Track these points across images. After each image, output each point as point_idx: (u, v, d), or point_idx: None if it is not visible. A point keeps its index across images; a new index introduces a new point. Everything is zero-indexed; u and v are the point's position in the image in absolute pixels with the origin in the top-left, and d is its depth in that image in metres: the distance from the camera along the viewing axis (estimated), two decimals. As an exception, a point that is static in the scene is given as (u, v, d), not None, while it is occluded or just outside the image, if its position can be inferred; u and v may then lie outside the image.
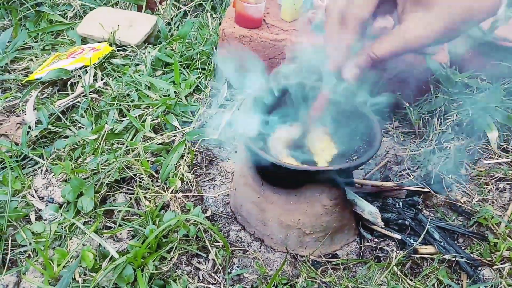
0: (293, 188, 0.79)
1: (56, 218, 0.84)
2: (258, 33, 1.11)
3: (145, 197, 0.88)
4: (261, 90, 0.84)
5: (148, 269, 0.73)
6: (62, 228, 0.81)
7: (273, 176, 0.79)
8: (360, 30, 0.59)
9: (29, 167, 0.95)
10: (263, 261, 0.82)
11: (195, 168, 0.98)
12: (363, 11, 0.57)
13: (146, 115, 1.06)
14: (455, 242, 0.86)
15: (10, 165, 0.88)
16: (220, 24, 1.21)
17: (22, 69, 1.27)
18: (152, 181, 0.93)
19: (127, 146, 0.97)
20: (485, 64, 1.14)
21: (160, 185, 0.92)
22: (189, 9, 1.50)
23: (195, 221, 0.82)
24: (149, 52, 1.28)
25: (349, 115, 0.85)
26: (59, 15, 1.47)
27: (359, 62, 0.61)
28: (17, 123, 1.05)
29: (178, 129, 1.03)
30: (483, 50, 1.15)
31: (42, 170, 0.94)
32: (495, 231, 0.87)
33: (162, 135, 1.02)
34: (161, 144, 1.01)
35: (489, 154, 1.04)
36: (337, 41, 0.60)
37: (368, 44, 0.60)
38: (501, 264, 0.81)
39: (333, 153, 0.85)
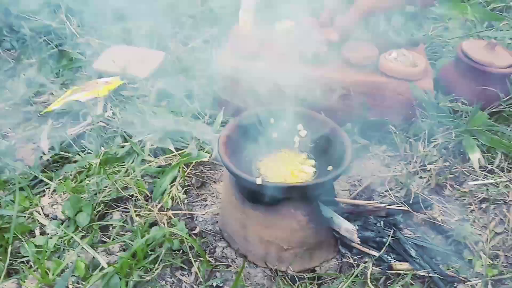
0: (270, 204, 0.85)
1: (57, 233, 0.93)
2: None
3: (138, 215, 0.96)
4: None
5: (133, 278, 0.80)
6: (62, 242, 0.90)
7: (251, 193, 0.85)
8: None
9: (39, 188, 1.05)
10: (244, 275, 0.87)
11: (188, 189, 1.05)
12: None
13: (146, 140, 1.15)
14: (433, 259, 0.88)
15: (19, 185, 0.98)
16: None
17: (42, 102, 1.40)
18: (146, 200, 1.01)
19: (127, 169, 1.06)
20: (470, 89, 1.17)
21: (153, 204, 0.99)
22: (195, 45, 1.62)
23: (181, 236, 0.88)
24: (154, 85, 1.39)
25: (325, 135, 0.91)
26: (79, 53, 1.62)
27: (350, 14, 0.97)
28: (32, 149, 1.16)
29: (174, 153, 1.12)
30: (469, 75, 1.19)
31: (50, 191, 1.03)
32: (472, 249, 0.88)
33: (159, 158, 1.10)
34: (158, 167, 1.09)
35: (475, 176, 1.06)
36: None
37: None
38: (475, 280, 0.82)
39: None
